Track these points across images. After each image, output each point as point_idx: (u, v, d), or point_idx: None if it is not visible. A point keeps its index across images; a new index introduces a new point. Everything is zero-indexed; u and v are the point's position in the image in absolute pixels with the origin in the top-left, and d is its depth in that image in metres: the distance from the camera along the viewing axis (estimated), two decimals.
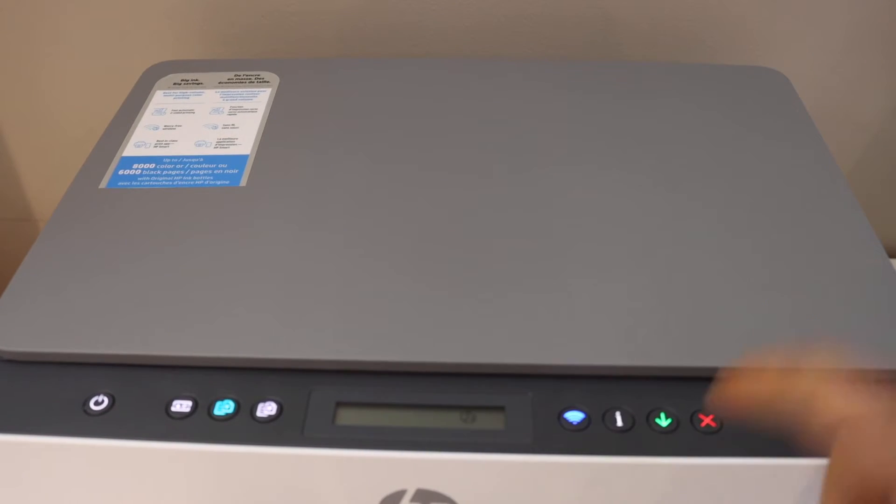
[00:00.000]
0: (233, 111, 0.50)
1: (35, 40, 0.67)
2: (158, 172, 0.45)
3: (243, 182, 0.44)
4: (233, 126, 0.48)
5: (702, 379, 0.34)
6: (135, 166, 0.45)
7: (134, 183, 0.44)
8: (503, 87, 0.52)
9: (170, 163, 0.45)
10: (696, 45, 0.65)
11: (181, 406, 0.34)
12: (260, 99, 0.51)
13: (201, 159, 0.46)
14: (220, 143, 0.47)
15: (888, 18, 0.63)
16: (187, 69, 0.54)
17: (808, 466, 0.32)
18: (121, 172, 0.45)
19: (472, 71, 0.53)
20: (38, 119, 0.72)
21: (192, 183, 0.44)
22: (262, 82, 0.53)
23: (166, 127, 0.49)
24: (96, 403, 0.34)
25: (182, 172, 0.45)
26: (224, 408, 0.34)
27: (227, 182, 0.44)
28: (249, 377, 0.35)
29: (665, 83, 0.52)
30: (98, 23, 0.65)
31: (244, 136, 0.48)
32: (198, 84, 0.53)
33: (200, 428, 0.33)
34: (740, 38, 0.64)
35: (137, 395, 0.34)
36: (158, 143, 0.47)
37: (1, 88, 0.70)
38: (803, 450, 0.32)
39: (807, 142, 0.47)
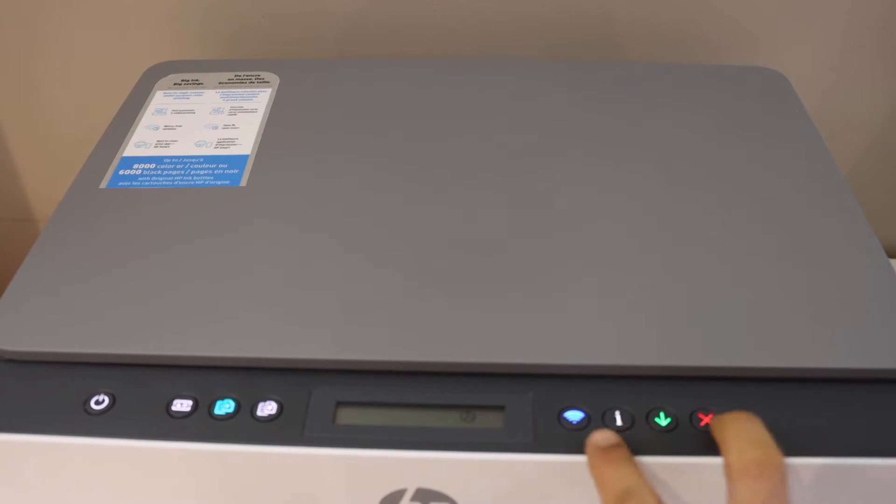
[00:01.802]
0: (233, 111, 0.50)
1: (36, 40, 0.67)
2: (159, 172, 0.45)
3: (243, 182, 0.44)
4: (233, 126, 0.49)
5: (701, 379, 0.35)
6: (135, 166, 0.45)
7: (134, 183, 0.44)
8: (503, 87, 0.52)
9: (170, 163, 0.45)
10: (696, 45, 0.65)
11: (182, 405, 0.34)
12: (260, 99, 0.51)
13: (201, 159, 0.46)
14: (221, 144, 0.47)
15: (887, 19, 0.63)
16: (187, 69, 0.54)
17: (806, 465, 0.32)
18: (121, 172, 0.45)
19: (471, 72, 0.54)
20: (39, 119, 0.73)
21: (192, 183, 0.44)
22: (262, 83, 0.53)
23: (167, 127, 0.49)
24: (97, 403, 0.34)
25: (182, 172, 0.45)
26: (224, 407, 0.34)
27: (228, 182, 0.44)
28: (250, 377, 0.35)
29: (665, 84, 0.52)
30: (99, 23, 0.65)
31: (244, 136, 0.48)
32: (198, 84, 0.53)
33: (201, 427, 0.33)
34: (740, 38, 0.64)
35: (138, 395, 0.34)
36: (159, 144, 0.47)
37: (2, 88, 0.70)
38: (801, 448, 0.32)
39: (806, 142, 0.47)
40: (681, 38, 0.64)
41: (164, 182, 0.44)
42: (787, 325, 0.36)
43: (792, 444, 0.32)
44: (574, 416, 0.33)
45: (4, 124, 0.73)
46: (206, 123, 0.49)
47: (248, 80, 0.53)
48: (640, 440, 0.33)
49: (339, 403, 0.34)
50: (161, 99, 0.51)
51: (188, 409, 0.34)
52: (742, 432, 0.31)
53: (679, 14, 0.63)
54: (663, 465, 0.32)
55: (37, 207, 0.80)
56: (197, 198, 0.43)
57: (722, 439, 0.31)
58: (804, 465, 0.32)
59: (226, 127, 0.48)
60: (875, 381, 0.35)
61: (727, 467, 0.30)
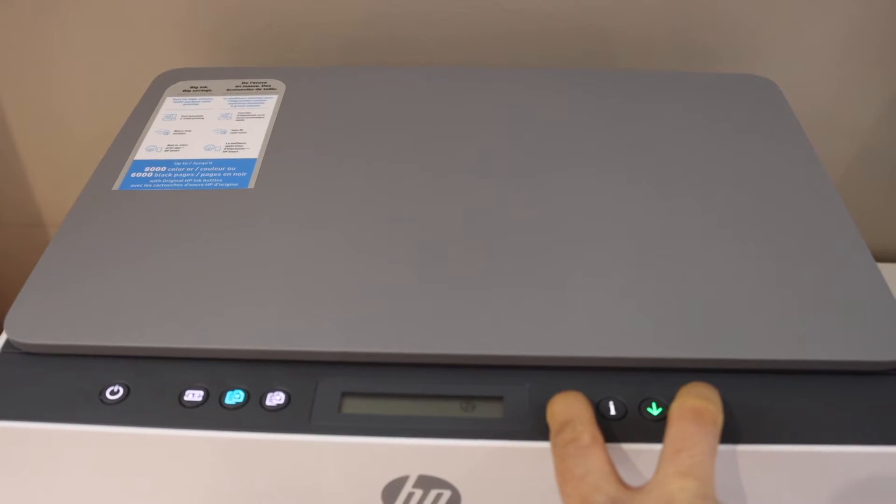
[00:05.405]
0: (240, 117, 0.51)
1: (46, 48, 0.68)
2: (169, 175, 0.46)
3: (251, 184, 0.45)
4: (241, 131, 0.50)
5: (691, 370, 0.36)
6: (147, 169, 0.47)
7: (146, 185, 0.46)
8: (502, 94, 0.53)
9: (180, 166, 0.47)
10: (688, 54, 0.66)
11: (193, 395, 0.35)
12: (267, 105, 0.53)
13: (210, 163, 0.47)
14: (229, 148, 0.48)
15: (878, 27, 0.64)
16: (196, 76, 0.56)
17: (791, 452, 0.34)
18: (133, 175, 0.46)
19: (471, 79, 0.55)
20: (49, 126, 0.74)
21: (201, 185, 0.45)
22: (269, 89, 0.54)
23: (176, 132, 0.50)
24: (112, 393, 0.35)
25: (192, 175, 0.46)
26: (235, 397, 0.35)
27: (236, 184, 0.45)
28: (259, 368, 0.36)
29: (658, 91, 0.54)
30: (109, 32, 0.67)
31: (252, 140, 0.49)
32: (206, 91, 0.54)
33: (212, 416, 0.35)
34: (731, 46, 0.66)
35: (151, 386, 0.36)
36: (169, 147, 0.49)
37: (13, 96, 0.72)
38: (789, 436, 0.34)
39: (796, 149, 0.48)
40: (673, 47, 0.66)
41: (174, 184, 0.46)
42: (775, 319, 0.37)
43: (782, 433, 0.34)
44: None
45: (15, 130, 0.75)
46: (215, 128, 0.50)
47: (255, 87, 0.54)
48: (632, 429, 0.34)
49: (345, 394, 0.35)
50: (171, 105, 0.53)
51: (200, 399, 0.35)
52: (690, 388, 0.33)
53: (671, 24, 0.64)
54: (655, 452, 0.33)
55: (46, 213, 0.82)
56: (206, 199, 0.44)
57: (675, 398, 0.33)
58: (790, 451, 0.33)
59: (234, 132, 0.50)
60: (865, 374, 0.36)
61: (668, 415, 0.32)
